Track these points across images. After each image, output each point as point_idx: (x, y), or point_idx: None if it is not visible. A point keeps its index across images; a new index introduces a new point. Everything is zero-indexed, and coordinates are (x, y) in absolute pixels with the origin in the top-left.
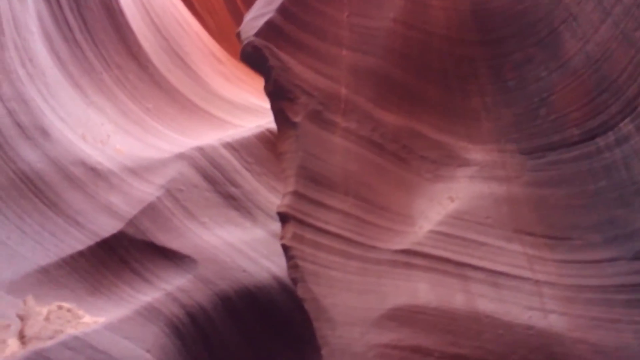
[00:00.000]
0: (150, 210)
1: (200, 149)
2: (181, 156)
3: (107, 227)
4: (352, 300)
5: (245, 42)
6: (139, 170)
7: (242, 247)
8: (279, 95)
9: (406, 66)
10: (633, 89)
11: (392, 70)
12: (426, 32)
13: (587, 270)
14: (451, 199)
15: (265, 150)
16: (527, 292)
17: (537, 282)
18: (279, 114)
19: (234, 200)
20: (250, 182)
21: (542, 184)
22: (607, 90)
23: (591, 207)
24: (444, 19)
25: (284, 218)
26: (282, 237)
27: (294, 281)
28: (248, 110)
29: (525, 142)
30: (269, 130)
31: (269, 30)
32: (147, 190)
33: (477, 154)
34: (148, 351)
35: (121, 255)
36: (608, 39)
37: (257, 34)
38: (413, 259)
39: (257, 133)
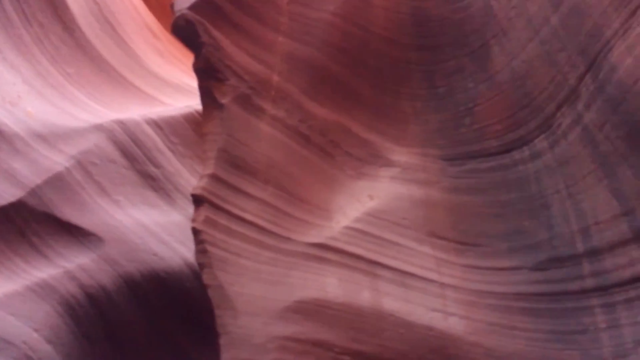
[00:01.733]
0: (57, 181)
1: (121, 123)
2: (99, 127)
3: (5, 194)
4: (259, 290)
5: (178, 14)
6: (49, 137)
7: (156, 229)
8: (208, 74)
9: (342, 61)
10: (551, 108)
11: (328, 64)
12: (365, 30)
13: (490, 277)
14: (371, 197)
15: (192, 132)
16: (432, 294)
17: (442, 284)
18: (206, 93)
19: (152, 181)
20: (173, 163)
21: (459, 190)
22: (528, 106)
23: (502, 216)
24: (384, 19)
25: (198, 201)
26: (193, 220)
27: (201, 266)
28: (179, 89)
29: (448, 148)
30: (199, 112)
31: (205, 5)
32: (56, 160)
33: (401, 155)
34: (36, 330)
35: (19, 227)
36: (533, 58)
37: (191, 8)
38: (326, 253)
39: (185, 113)
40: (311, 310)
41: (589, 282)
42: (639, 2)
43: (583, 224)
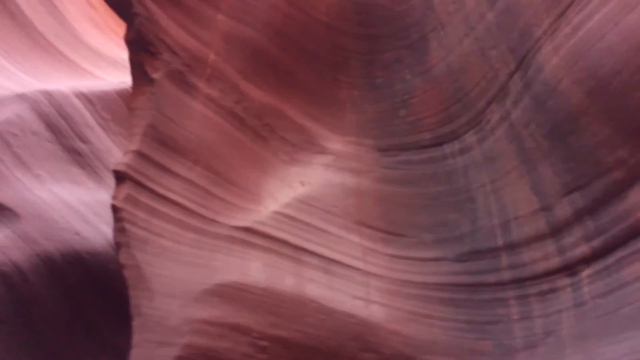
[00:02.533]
0: None
1: (47, 94)
2: (23, 97)
3: None
4: (179, 272)
5: None
6: None
7: (79, 207)
8: (140, 47)
9: (282, 44)
10: (481, 104)
11: (267, 46)
12: (307, 14)
13: (414, 267)
14: (302, 184)
15: (126, 109)
16: (356, 282)
17: (367, 273)
18: (137, 66)
19: (79, 157)
20: (102, 140)
21: (390, 181)
22: (461, 101)
23: (429, 208)
24: (327, 4)
25: (119, 177)
26: (113, 197)
27: (118, 246)
28: (114, 64)
29: (382, 139)
30: None
31: None
32: None
33: (336, 144)
34: None
35: None
36: (468, 53)
37: None
38: (252, 237)
39: (119, 89)
40: (231, 294)
41: (506, 275)
42: (568, 3)
43: (504, 218)
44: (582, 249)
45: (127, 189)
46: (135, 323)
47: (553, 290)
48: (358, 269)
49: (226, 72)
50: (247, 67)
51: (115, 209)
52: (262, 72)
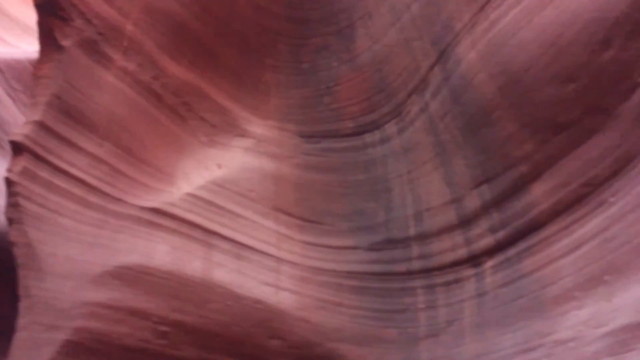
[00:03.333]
0: None
1: None
2: None
3: None
4: (77, 252)
5: None
6: None
7: None
8: (50, 11)
9: (207, 21)
10: (403, 94)
11: (191, 22)
12: None
13: (328, 255)
14: (219, 166)
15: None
16: (267, 268)
17: (279, 259)
18: (45, 32)
19: None
20: (11, 111)
21: (311, 168)
22: (383, 91)
23: (347, 197)
24: None
25: (17, 148)
26: (8, 170)
27: (10, 222)
28: (32, 32)
29: (305, 125)
30: None
31: None
32: None
33: (257, 127)
34: None
35: None
36: (393, 44)
37: None
38: (160, 219)
39: (33, 59)
40: (133, 276)
41: (415, 265)
42: None
43: (417, 209)
44: (487, 241)
45: (24, 161)
46: (23, 305)
47: (458, 281)
48: (270, 255)
49: (145, 45)
50: (168, 42)
51: (9, 183)
52: (184, 49)
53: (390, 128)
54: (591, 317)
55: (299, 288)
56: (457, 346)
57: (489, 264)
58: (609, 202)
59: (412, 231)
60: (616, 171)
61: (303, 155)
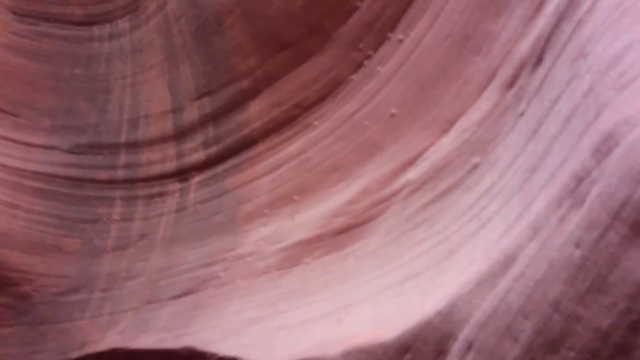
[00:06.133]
0: None
1: None
2: None
3: None
4: None
5: None
6: None
7: None
8: None
9: None
10: None
11: None
12: None
13: (17, 152)
14: None
15: None
16: None
17: None
18: None
19: None
20: None
21: (18, 51)
22: None
23: (57, 91)
24: None
25: None
26: None
27: None
28: None
29: (23, 1)
30: None
31: None
32: None
33: None
34: None
35: None
36: None
37: None
38: None
39: None
40: None
41: (120, 174)
42: None
43: (134, 115)
44: (198, 156)
45: None
46: None
47: (161, 195)
48: None
49: None
50: None
51: None
52: None
53: (123, 24)
54: (273, 234)
55: None
56: (142, 260)
57: (197, 179)
58: (314, 125)
59: (123, 137)
60: (325, 95)
61: (12, 35)
